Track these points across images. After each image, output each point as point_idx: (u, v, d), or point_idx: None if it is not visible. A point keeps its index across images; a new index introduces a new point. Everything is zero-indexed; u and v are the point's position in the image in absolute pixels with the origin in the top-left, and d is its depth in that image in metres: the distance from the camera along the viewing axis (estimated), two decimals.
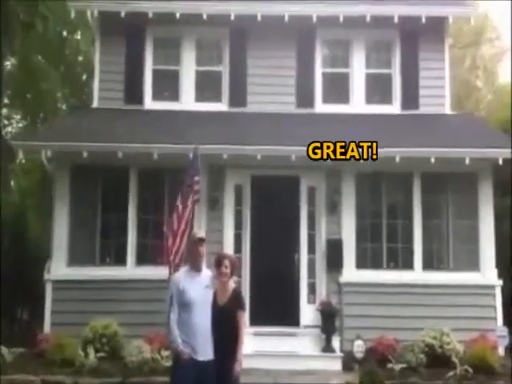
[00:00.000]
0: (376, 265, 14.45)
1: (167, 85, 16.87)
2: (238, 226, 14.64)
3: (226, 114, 16.18)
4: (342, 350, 13.44)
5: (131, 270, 14.34)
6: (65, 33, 24.18)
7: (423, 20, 16.20)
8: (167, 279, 11.69)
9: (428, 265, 14.45)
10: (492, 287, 14.18)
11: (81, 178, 14.63)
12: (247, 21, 16.26)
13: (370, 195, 14.74)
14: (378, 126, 15.26)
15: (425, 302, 13.90)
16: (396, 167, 14.03)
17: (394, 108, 16.58)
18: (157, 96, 16.65)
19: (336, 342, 13.49)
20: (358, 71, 16.78)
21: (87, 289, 13.93)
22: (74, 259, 14.37)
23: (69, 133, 14.88)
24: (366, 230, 14.60)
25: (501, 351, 13.61)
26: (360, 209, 14.60)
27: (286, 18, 16.15)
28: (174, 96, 16.67)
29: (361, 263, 14.41)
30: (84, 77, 25.37)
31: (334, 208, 14.49)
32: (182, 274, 8.06)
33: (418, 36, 16.69)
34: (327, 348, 13.31)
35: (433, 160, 13.84)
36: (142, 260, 14.42)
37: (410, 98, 16.57)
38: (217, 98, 16.60)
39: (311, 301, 14.32)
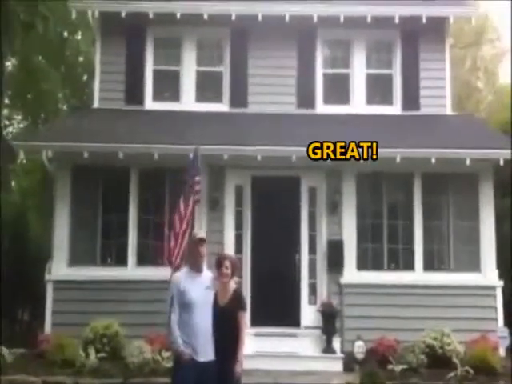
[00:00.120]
0: (377, 266, 14.45)
1: (168, 85, 16.87)
2: (239, 226, 14.64)
3: (227, 114, 16.18)
4: (342, 351, 13.44)
5: (132, 271, 14.34)
6: (65, 33, 24.18)
7: (424, 20, 16.19)
8: (169, 280, 11.73)
9: (429, 266, 14.44)
10: (493, 288, 14.18)
11: (81, 179, 14.63)
12: (248, 21, 16.25)
13: (371, 196, 14.74)
14: (378, 127, 15.27)
15: (425, 303, 13.90)
16: (397, 168, 14.03)
17: (395, 109, 16.57)
18: (157, 96, 16.65)
19: (337, 343, 13.49)
20: (359, 72, 16.78)
21: (88, 289, 13.93)
22: (75, 259, 14.38)
23: (69, 133, 14.88)
24: (367, 230, 14.60)
25: (501, 352, 13.60)
26: (361, 209, 14.60)
27: (287, 18, 16.15)
28: (175, 96, 16.67)
29: (361, 264, 14.41)
30: (85, 77, 25.38)
31: (334, 208, 14.49)
32: (182, 275, 8.05)
33: (418, 36, 16.69)
34: (328, 349, 13.31)
35: (433, 160, 13.83)
36: (142, 260, 14.42)
37: (411, 98, 16.56)
38: (217, 98, 16.60)
39: (312, 302, 14.32)
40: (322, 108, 16.47)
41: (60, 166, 14.63)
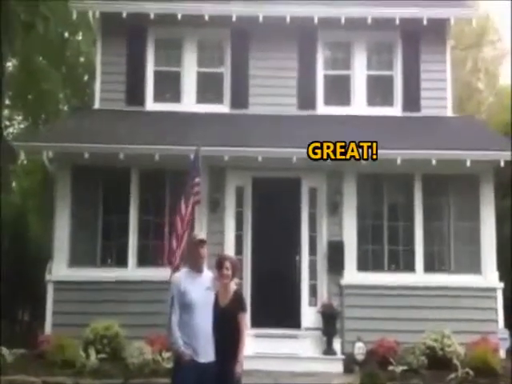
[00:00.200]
0: (377, 267, 14.45)
1: (169, 86, 16.88)
2: (239, 227, 14.64)
3: (228, 115, 16.18)
4: (343, 352, 13.44)
5: (132, 272, 14.34)
6: (66, 33, 24.19)
7: (425, 22, 16.19)
8: (168, 280, 11.73)
9: (429, 267, 14.44)
10: (493, 290, 14.18)
11: (82, 179, 14.63)
12: (249, 22, 16.25)
13: (372, 197, 14.74)
14: (379, 128, 15.26)
15: (426, 305, 13.90)
16: (397, 169, 14.02)
17: (396, 110, 16.58)
18: (158, 97, 16.66)
19: (337, 344, 13.49)
20: (360, 73, 16.78)
21: (88, 290, 13.94)
22: (75, 260, 14.38)
23: (70, 134, 14.89)
24: (368, 231, 14.60)
25: (502, 354, 13.59)
26: (361, 210, 14.60)
27: (288, 20, 16.14)
28: (176, 97, 16.67)
29: (362, 265, 14.41)
30: (85, 78, 25.37)
31: (335, 209, 14.49)
32: (183, 276, 8.04)
33: (419, 38, 16.70)
34: (328, 350, 13.32)
35: (434, 162, 13.82)
36: (143, 261, 14.42)
37: (412, 99, 16.57)
38: (218, 99, 16.61)
39: (312, 303, 14.31)
40: (322, 109, 16.47)
41: (60, 166, 14.64)
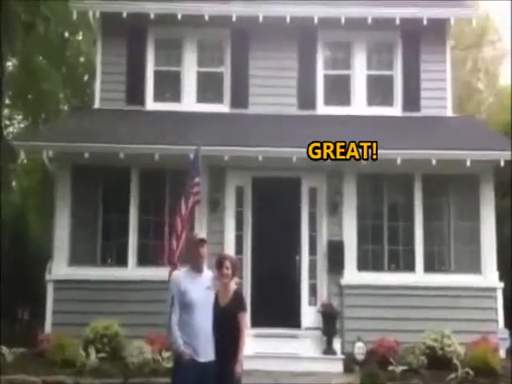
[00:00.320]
0: (377, 267, 14.45)
1: (169, 86, 16.89)
2: (239, 227, 14.64)
3: (228, 115, 16.18)
4: (342, 352, 13.45)
5: (132, 271, 14.35)
6: (66, 33, 24.18)
7: (425, 22, 16.20)
8: (167, 280, 11.74)
9: (429, 267, 14.45)
10: (493, 289, 14.18)
11: (82, 179, 14.64)
12: (249, 22, 16.26)
13: (372, 197, 14.74)
14: (379, 128, 15.27)
15: (426, 304, 13.90)
16: (397, 169, 14.02)
17: (396, 110, 16.59)
18: (158, 97, 16.67)
19: (337, 344, 13.50)
20: (360, 73, 16.79)
21: (88, 289, 13.94)
22: (75, 259, 14.38)
23: (70, 133, 14.89)
24: (368, 231, 14.60)
25: (502, 353, 13.59)
26: (361, 210, 14.60)
27: (288, 20, 16.15)
28: (176, 97, 16.68)
29: (362, 265, 14.41)
30: (85, 77, 25.37)
31: (335, 209, 14.49)
32: (183, 275, 8.04)
33: (419, 38, 16.71)
34: (328, 350, 13.32)
35: (434, 162, 13.83)
36: (143, 261, 14.42)
37: (412, 99, 16.57)
38: (218, 99, 16.61)
39: (312, 302, 14.32)
40: (322, 109, 16.48)
41: (61, 166, 14.64)
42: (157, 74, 16.78)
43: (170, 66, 16.89)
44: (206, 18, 16.14)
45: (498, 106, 26.45)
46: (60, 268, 14.27)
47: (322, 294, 14.27)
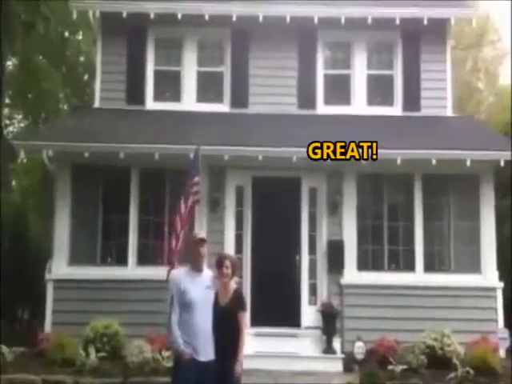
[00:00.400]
0: (377, 266, 14.46)
1: (169, 85, 16.89)
2: (239, 226, 14.65)
3: (228, 114, 16.19)
4: (342, 352, 13.45)
5: (132, 270, 14.35)
6: (66, 33, 24.20)
7: (425, 22, 16.20)
8: (165, 279, 11.76)
9: (429, 267, 14.45)
10: (493, 289, 14.18)
11: (82, 178, 14.64)
12: (249, 22, 16.26)
13: (372, 196, 14.75)
14: (379, 128, 15.27)
15: (426, 304, 13.90)
16: (397, 169, 14.02)
17: (396, 110, 16.59)
18: (158, 96, 16.67)
19: (337, 344, 13.49)
20: (360, 73, 16.79)
21: (88, 288, 13.94)
22: (75, 259, 14.39)
23: (70, 133, 14.88)
24: (367, 231, 14.60)
25: (502, 353, 13.60)
26: (361, 210, 14.60)
27: (288, 19, 16.15)
28: (176, 96, 16.68)
29: (362, 265, 14.41)
30: (85, 77, 25.37)
31: (335, 209, 14.50)
32: (183, 275, 8.04)
33: (419, 38, 16.71)
34: (328, 349, 13.32)
35: (434, 162, 13.83)
36: (143, 260, 14.43)
37: (412, 99, 16.57)
38: (218, 98, 16.62)
39: (312, 302, 14.32)
40: (322, 109, 16.49)
41: (60, 165, 14.64)
42: (157, 73, 16.78)
43: (170, 65, 16.89)
44: (206, 17, 16.15)
45: (498, 105, 26.46)
46: (60, 267, 14.27)
47: (322, 293, 14.27)
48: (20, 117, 27.26)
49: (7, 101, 24.40)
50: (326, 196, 14.57)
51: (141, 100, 16.49)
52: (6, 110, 25.04)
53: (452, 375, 12.04)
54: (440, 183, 14.63)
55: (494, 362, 12.45)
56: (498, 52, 31.44)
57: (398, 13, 16.26)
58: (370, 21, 16.17)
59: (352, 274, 14.31)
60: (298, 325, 14.23)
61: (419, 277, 14.33)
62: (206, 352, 7.72)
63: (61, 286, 14.13)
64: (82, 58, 25.23)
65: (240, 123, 15.53)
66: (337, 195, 14.48)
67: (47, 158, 14.14)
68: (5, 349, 12.87)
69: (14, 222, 19.14)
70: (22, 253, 18.36)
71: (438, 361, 12.70)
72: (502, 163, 13.86)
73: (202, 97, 16.64)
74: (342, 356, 13.24)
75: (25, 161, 19.88)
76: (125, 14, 16.19)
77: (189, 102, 16.51)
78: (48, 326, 14.04)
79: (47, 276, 14.24)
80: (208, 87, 16.81)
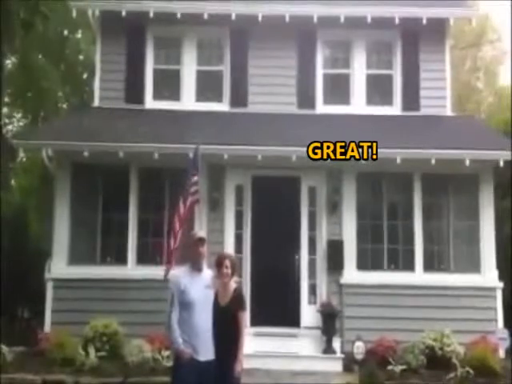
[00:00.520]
0: (377, 266, 14.44)
1: (168, 84, 16.86)
2: (239, 226, 14.63)
3: (227, 114, 16.18)
4: (342, 351, 13.43)
5: (132, 270, 14.33)
6: (65, 32, 24.19)
7: (424, 21, 16.18)
8: (163, 278, 11.79)
9: (429, 266, 14.43)
10: (493, 289, 14.17)
11: (81, 177, 14.63)
12: (248, 21, 16.25)
13: (371, 196, 14.74)
14: (378, 127, 15.26)
15: (425, 304, 13.89)
16: (397, 168, 14.01)
17: (395, 109, 16.57)
18: (158, 95, 16.65)
19: (336, 343, 13.47)
20: (359, 72, 16.78)
21: (88, 288, 13.92)
22: (75, 258, 14.37)
23: (69, 132, 14.86)
24: (367, 230, 14.59)
25: (501, 353, 13.58)
26: (361, 209, 14.59)
27: (287, 19, 16.14)
28: (175, 96, 16.66)
29: (361, 264, 14.39)
30: (85, 76, 25.35)
31: (334, 208, 14.49)
32: (182, 274, 8.05)
33: (418, 37, 16.69)
34: (328, 349, 13.30)
35: (433, 161, 13.82)
36: (142, 259, 14.41)
37: (411, 99, 16.56)
38: (218, 97, 16.60)
39: (312, 302, 14.32)
40: (322, 108, 16.47)
41: (60, 164, 14.62)
42: (156, 72, 16.77)
43: (169, 64, 16.88)
44: (206, 16, 16.13)
45: (498, 105, 26.49)
46: (59, 266, 14.26)
47: (322, 293, 14.27)
48: (19, 116, 27.25)
49: (6, 99, 24.38)
50: (325, 195, 14.56)
51: (140, 99, 16.47)
52: (5, 109, 25.02)
53: (451, 375, 12.06)
54: (439, 183, 14.62)
55: (493, 362, 12.45)
56: (497, 52, 31.48)
57: (398, 12, 16.24)
58: (369, 20, 16.14)
59: (351, 274, 14.31)
60: (298, 324, 14.22)
61: (419, 276, 14.33)
62: (206, 351, 7.74)
63: (60, 286, 14.13)
64: (81, 57, 25.23)
65: (239, 122, 15.52)
66: (336, 195, 14.47)
67: (46, 157, 14.13)
68: (4, 348, 12.85)
69: (13, 220, 19.10)
70: (22, 252, 18.33)
71: (437, 361, 12.70)
72: (502, 163, 13.85)
73: (201, 96, 16.63)
74: (342, 356, 13.22)
75: (24, 160, 19.90)
76: (124, 13, 16.17)
77: (188, 101, 16.50)
78: (47, 326, 14.02)
79: (47, 275, 14.24)
80: (207, 86, 16.79)
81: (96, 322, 13.20)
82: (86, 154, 13.80)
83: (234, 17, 16.19)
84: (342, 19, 16.15)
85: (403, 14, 16.27)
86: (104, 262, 14.50)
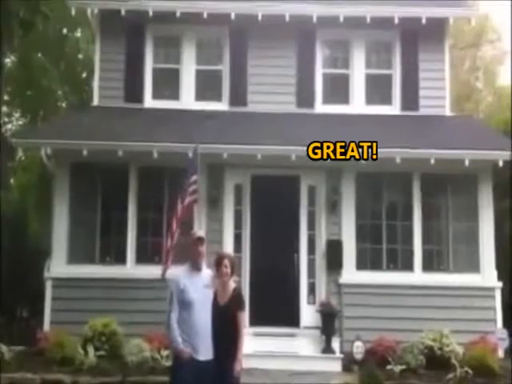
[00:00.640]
0: (376, 266, 14.43)
1: (167, 83, 16.86)
2: (238, 225, 14.62)
3: (227, 113, 16.17)
4: (341, 351, 13.42)
5: (131, 269, 14.32)
6: (65, 31, 24.18)
7: (423, 21, 16.18)
8: (161, 277, 11.79)
9: (428, 266, 14.43)
10: (492, 289, 14.16)
11: (81, 176, 14.61)
12: (248, 20, 16.25)
13: (370, 196, 14.72)
14: (377, 127, 15.26)
15: (424, 304, 13.87)
16: (396, 168, 14.00)
17: (394, 109, 16.57)
18: (157, 94, 16.65)
19: (336, 343, 13.46)
20: (358, 72, 16.77)
21: (87, 287, 13.91)
22: (74, 257, 14.36)
23: (69, 131, 14.84)
24: (366, 230, 14.58)
25: (500, 353, 13.55)
26: (360, 209, 14.58)
27: (287, 18, 16.14)
28: (175, 95, 16.66)
29: (361, 264, 14.38)
30: (84, 75, 25.35)
31: (333, 208, 14.48)
32: (182, 274, 8.05)
33: (418, 37, 16.68)
34: (327, 349, 13.29)
35: (432, 161, 13.82)
36: (141, 259, 14.39)
37: (410, 98, 16.56)
38: (217, 97, 16.60)
39: (311, 301, 14.31)
40: (321, 108, 16.47)
41: (59, 163, 14.60)
42: (155, 71, 16.78)
43: (168, 63, 16.87)
44: (205, 15, 16.12)
45: (497, 105, 26.49)
46: (59, 266, 14.25)
47: (321, 292, 14.26)
48: (18, 114, 27.26)
49: (6, 98, 24.36)
50: (324, 195, 14.54)
51: (139, 98, 16.47)
52: (4, 108, 25.00)
53: (451, 375, 12.05)
54: (439, 183, 14.61)
55: (492, 362, 12.43)
56: (496, 51, 31.49)
57: (397, 12, 16.24)
58: (368, 20, 16.14)
59: (351, 274, 14.30)
60: (297, 324, 14.22)
61: (418, 276, 14.32)
62: (205, 351, 7.75)
63: (59, 285, 14.11)
64: (80, 56, 25.18)
65: (239, 121, 15.52)
66: (336, 194, 14.45)
67: (46, 155, 14.11)
68: (4, 347, 12.83)
69: (13, 219, 19.10)
70: (22, 250, 18.34)
71: (436, 361, 12.68)
72: (501, 163, 13.85)
73: (200, 95, 16.62)
74: (341, 356, 13.21)
75: (23, 158, 19.89)
76: (123, 12, 16.18)
77: (187, 100, 16.50)
78: (47, 325, 14.00)
79: (46, 274, 14.22)
80: (207, 85, 16.78)
81: (95, 321, 13.17)
82: (85, 152, 13.80)
83: (233, 16, 16.20)
84: (342, 19, 16.15)
85: (402, 14, 16.27)
86: (103, 262, 14.47)
